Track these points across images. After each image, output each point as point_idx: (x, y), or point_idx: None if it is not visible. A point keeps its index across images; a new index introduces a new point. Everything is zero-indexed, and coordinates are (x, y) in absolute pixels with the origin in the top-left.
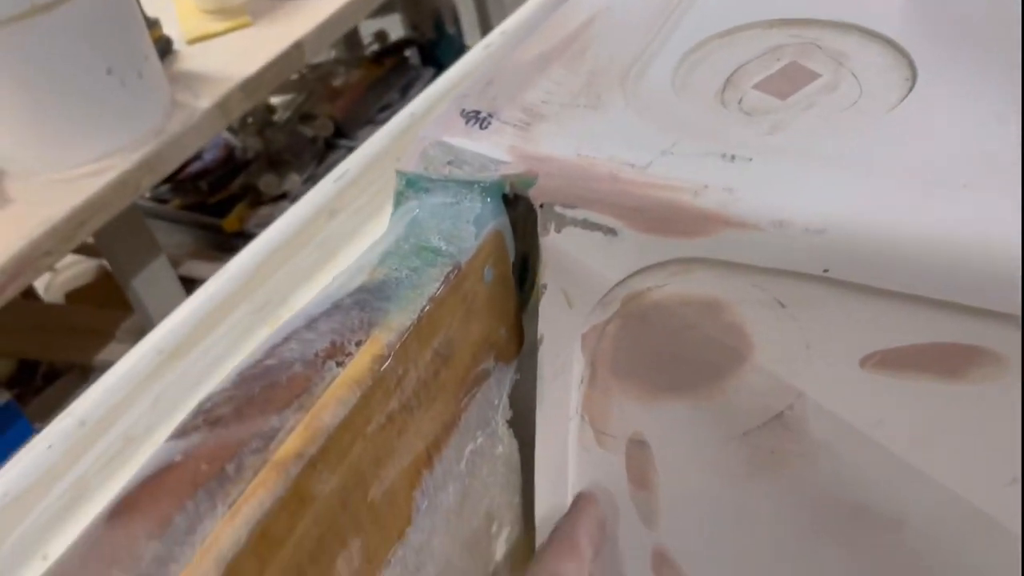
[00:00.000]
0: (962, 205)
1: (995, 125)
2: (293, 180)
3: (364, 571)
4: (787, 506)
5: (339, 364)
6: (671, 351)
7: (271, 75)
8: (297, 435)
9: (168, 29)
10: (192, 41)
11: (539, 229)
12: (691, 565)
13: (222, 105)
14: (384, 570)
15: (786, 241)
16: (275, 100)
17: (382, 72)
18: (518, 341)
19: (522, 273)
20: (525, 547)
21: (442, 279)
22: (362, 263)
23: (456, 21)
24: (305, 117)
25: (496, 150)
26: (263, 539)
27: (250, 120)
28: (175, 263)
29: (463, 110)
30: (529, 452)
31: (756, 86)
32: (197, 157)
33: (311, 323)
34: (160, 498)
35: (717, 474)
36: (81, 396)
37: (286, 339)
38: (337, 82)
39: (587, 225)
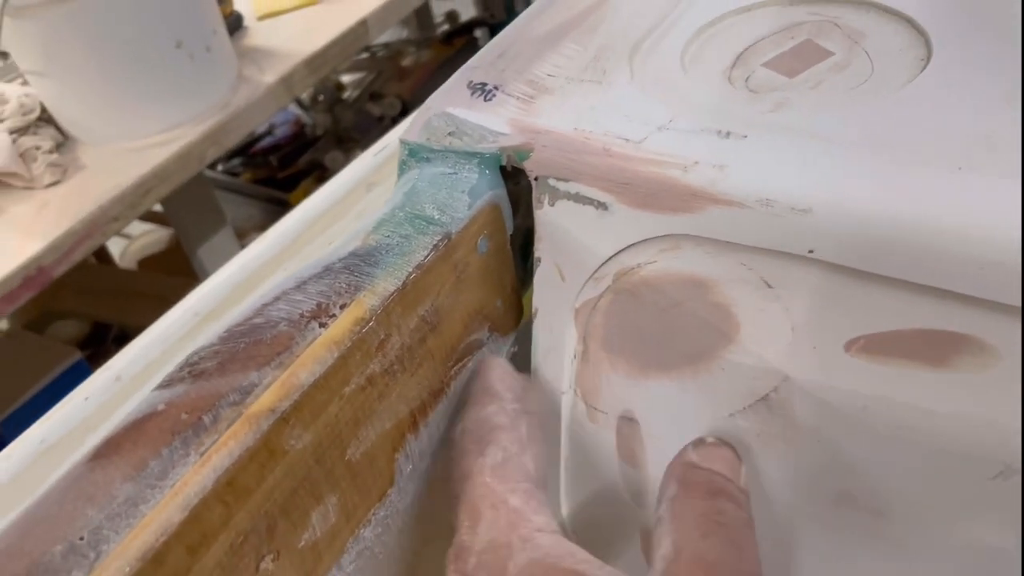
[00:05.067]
0: (953, 188)
1: (1002, 107)
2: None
3: (342, 527)
4: (772, 489)
5: (322, 325)
6: (660, 328)
7: (335, 52)
8: (272, 391)
9: (239, 5)
10: (262, 17)
11: (534, 202)
12: None
13: (286, 80)
14: (364, 529)
15: (772, 220)
16: (346, 78)
17: (451, 53)
18: (516, 314)
19: (525, 247)
20: None
21: (431, 247)
22: (358, 229)
23: (528, 3)
24: (374, 96)
25: (496, 122)
26: (230, 487)
27: (321, 97)
28: (242, 234)
29: (470, 82)
30: None
31: (766, 64)
32: (268, 132)
33: (301, 284)
34: (139, 443)
35: None
36: (119, 353)
37: (276, 299)
38: (406, 62)
39: (579, 199)
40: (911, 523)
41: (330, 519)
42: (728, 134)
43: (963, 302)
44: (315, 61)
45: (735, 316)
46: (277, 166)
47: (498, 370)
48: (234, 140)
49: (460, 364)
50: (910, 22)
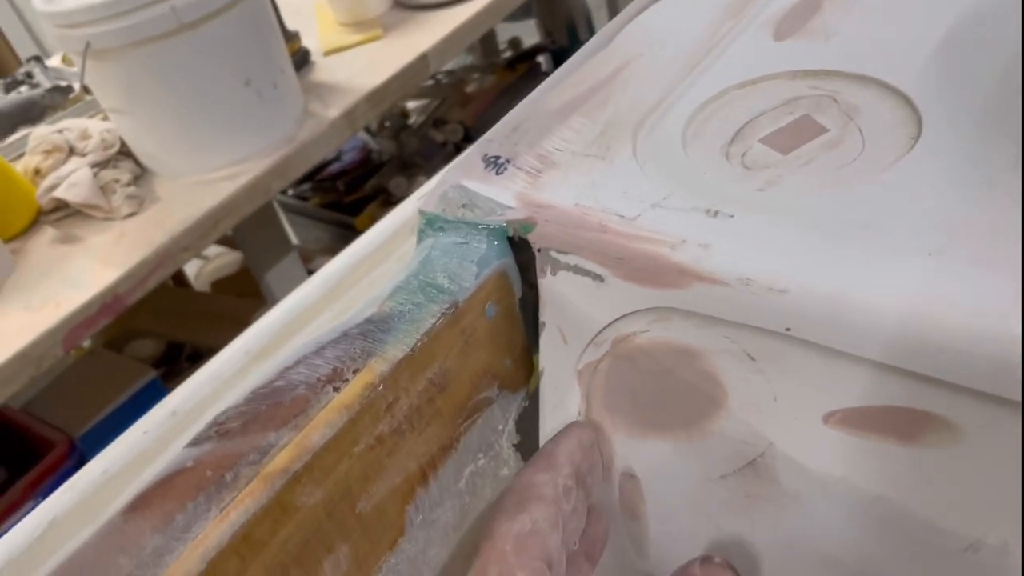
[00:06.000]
0: (924, 274)
1: (982, 191)
2: (421, 183)
3: (354, 574)
4: (762, 549)
5: (336, 389)
6: (655, 392)
7: (396, 86)
8: (286, 452)
9: (307, 41)
10: (328, 53)
11: (537, 271)
12: None
13: (349, 115)
14: (376, 575)
15: (751, 298)
16: (411, 105)
17: (514, 78)
18: (526, 372)
19: (537, 308)
20: None
21: (439, 315)
22: (376, 295)
23: (590, 29)
24: (438, 122)
25: (505, 195)
26: (245, 541)
27: (387, 124)
28: (309, 257)
29: (485, 155)
30: None
31: (763, 139)
32: (336, 158)
33: (320, 349)
34: (168, 498)
35: (699, 511)
36: (176, 390)
37: (297, 362)
38: (470, 88)
39: (578, 270)
40: None
41: (342, 567)
42: (716, 213)
43: (931, 383)
44: (376, 96)
45: (723, 384)
46: (344, 191)
47: (572, 440)
48: (298, 173)
49: (469, 420)
50: (906, 99)
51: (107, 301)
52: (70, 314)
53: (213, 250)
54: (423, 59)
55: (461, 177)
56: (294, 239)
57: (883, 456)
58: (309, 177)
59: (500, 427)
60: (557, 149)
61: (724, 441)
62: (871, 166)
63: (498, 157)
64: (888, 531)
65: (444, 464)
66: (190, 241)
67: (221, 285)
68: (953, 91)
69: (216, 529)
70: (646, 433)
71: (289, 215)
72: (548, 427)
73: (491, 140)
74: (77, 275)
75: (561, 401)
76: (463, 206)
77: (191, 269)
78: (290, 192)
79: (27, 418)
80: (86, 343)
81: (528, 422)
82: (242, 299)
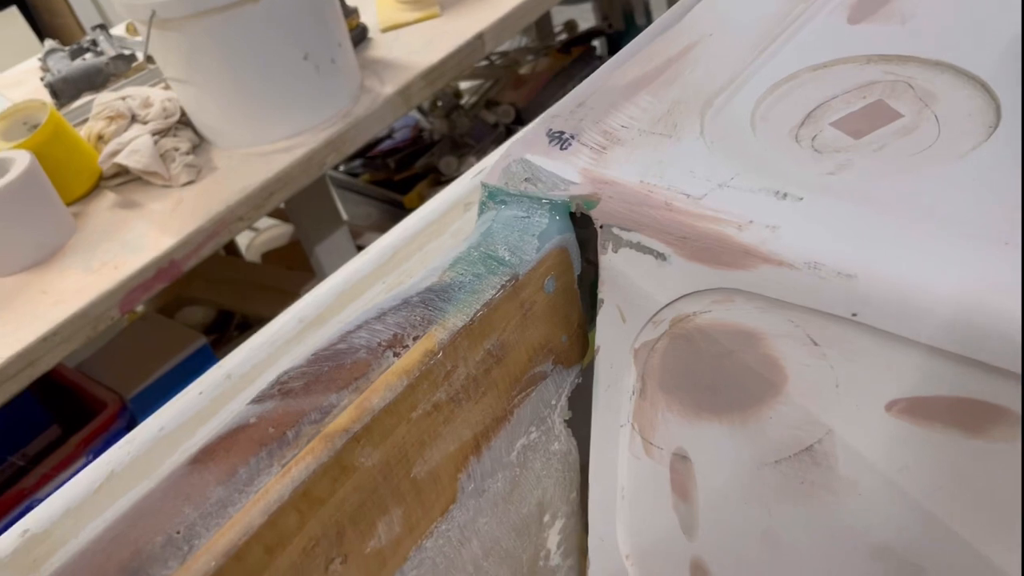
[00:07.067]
0: (996, 264)
1: None
2: (471, 163)
3: (405, 538)
4: (814, 536)
5: (396, 355)
6: (712, 374)
7: (452, 65)
8: (347, 413)
9: (365, 18)
10: (386, 29)
11: (599, 247)
12: None
13: (404, 92)
14: (427, 540)
15: (819, 282)
16: (464, 85)
17: (567, 62)
18: (581, 348)
19: (595, 286)
20: (579, 540)
21: (499, 287)
22: (436, 265)
23: (647, 13)
24: (490, 103)
25: (569, 170)
26: (305, 497)
27: (439, 104)
28: (357, 233)
29: (549, 130)
30: (587, 452)
31: (834, 123)
32: (388, 136)
33: (381, 315)
34: (232, 452)
35: (751, 496)
36: (231, 353)
37: (359, 327)
38: (524, 70)
39: (640, 248)
40: None
41: (395, 529)
42: (785, 195)
43: (998, 375)
44: (432, 73)
45: (783, 369)
46: (394, 169)
47: None
48: (352, 147)
49: (524, 393)
50: (984, 87)
51: (163, 266)
52: (128, 277)
53: (264, 222)
54: (479, 39)
55: (525, 151)
56: (343, 214)
57: (946, 448)
58: (360, 154)
59: (553, 402)
60: (623, 126)
61: (781, 426)
62: (946, 153)
63: (563, 132)
64: (945, 525)
65: (497, 435)
66: (245, 211)
67: (271, 257)
68: None
69: (277, 484)
70: (701, 415)
71: (339, 190)
72: (602, 404)
73: (556, 115)
74: (135, 239)
75: (616, 379)
76: (526, 180)
77: (242, 240)
78: (341, 168)
79: (81, 378)
80: (139, 307)
81: (581, 399)
82: (292, 271)
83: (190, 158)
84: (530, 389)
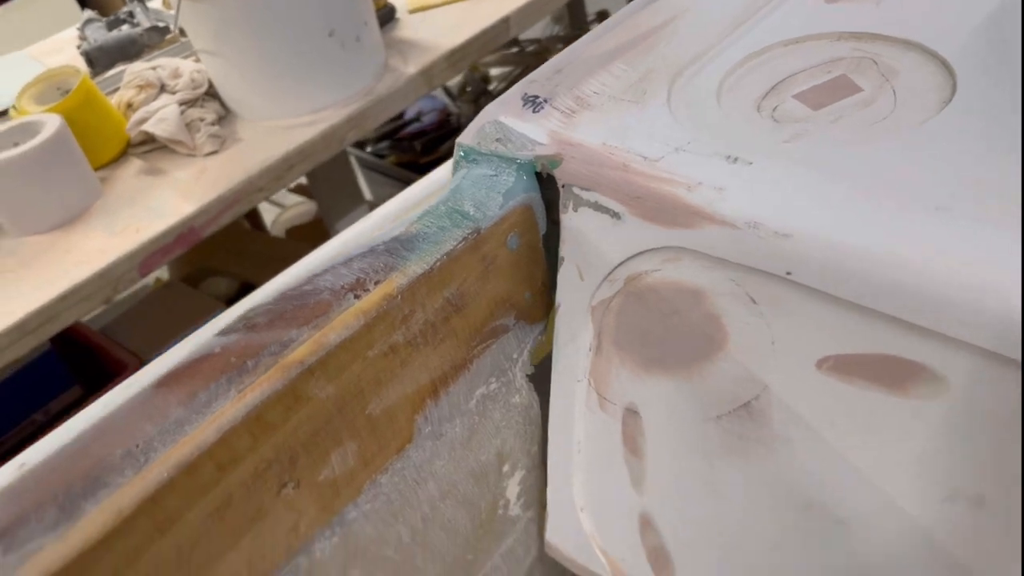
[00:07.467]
0: (927, 228)
1: (1001, 157)
2: None
3: (360, 471)
4: (751, 489)
5: (357, 297)
6: (662, 332)
7: (476, 47)
8: (304, 347)
9: None
10: (414, 10)
11: (560, 207)
12: (672, 532)
13: (426, 72)
14: (382, 476)
15: (757, 241)
16: (494, 71)
17: None
18: (545, 306)
19: None
20: (540, 493)
21: (461, 239)
22: (407, 219)
23: None
24: None
25: (538, 132)
26: (258, 421)
27: (468, 88)
28: None
29: (525, 94)
30: (548, 407)
31: (796, 95)
32: (416, 119)
33: (348, 261)
34: (195, 378)
35: (694, 450)
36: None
37: (325, 271)
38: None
39: (598, 207)
40: (869, 535)
41: (349, 462)
42: (736, 160)
43: (923, 334)
44: (456, 55)
45: (725, 327)
46: (420, 151)
47: None
48: (373, 124)
49: (484, 344)
50: (945, 65)
51: (183, 232)
52: (148, 240)
53: (290, 199)
54: (505, 22)
55: (499, 113)
56: (368, 195)
57: (871, 404)
58: (388, 136)
59: (515, 356)
60: (595, 92)
61: (722, 382)
62: (898, 125)
63: (537, 96)
64: (872, 477)
65: (456, 382)
66: (265, 182)
67: (295, 233)
68: (993, 61)
69: (232, 407)
70: (651, 371)
71: (365, 171)
72: (561, 360)
73: (534, 80)
74: (158, 205)
75: (574, 336)
76: (497, 140)
77: (268, 216)
78: (368, 149)
79: (104, 340)
80: (165, 276)
81: (547, 356)
82: (314, 247)
83: (215, 128)
84: (491, 341)
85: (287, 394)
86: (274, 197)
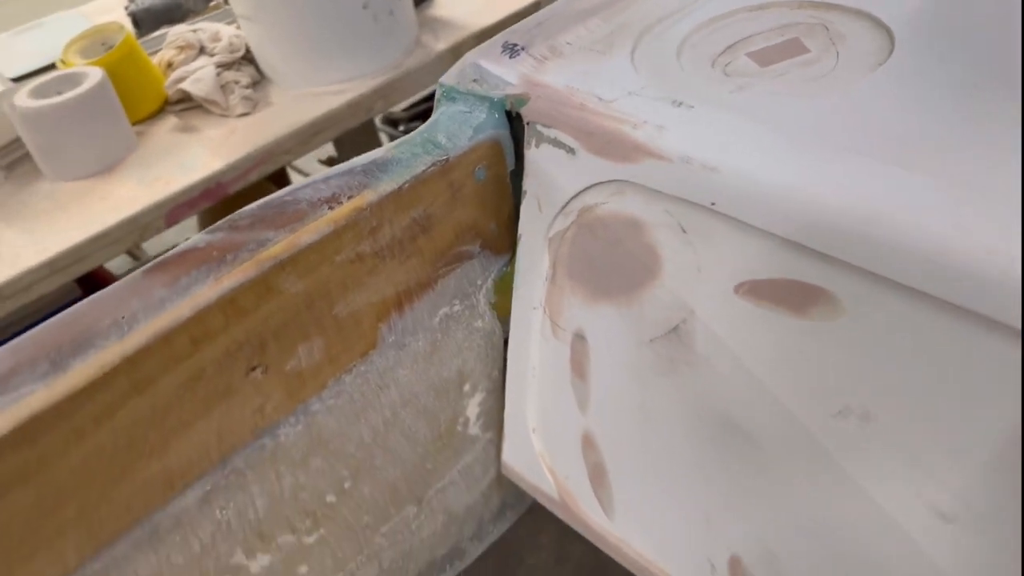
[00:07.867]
0: (835, 166)
1: (918, 109)
2: None
3: (325, 367)
4: (679, 409)
5: (331, 208)
6: (607, 261)
7: (505, 28)
8: (278, 246)
9: None
10: None
11: (525, 143)
12: (609, 450)
13: (454, 50)
14: (346, 375)
15: (688, 174)
16: None
17: None
18: (510, 239)
19: None
20: (499, 416)
21: (431, 164)
22: (387, 146)
23: None
24: None
25: (510, 75)
26: (231, 304)
27: None
28: None
29: (505, 42)
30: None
31: (749, 54)
32: None
33: (327, 179)
34: (180, 266)
35: (631, 373)
36: None
37: (305, 186)
38: None
39: (556, 143)
40: (776, 450)
41: (315, 356)
42: (680, 104)
43: (822, 260)
44: (485, 35)
45: (659, 256)
46: None
47: None
48: (400, 98)
49: (449, 267)
50: (888, 31)
51: (210, 187)
52: (176, 192)
53: (319, 169)
54: (536, 6)
55: (479, 58)
56: None
57: (778, 326)
58: (421, 116)
59: (479, 282)
60: (568, 43)
61: (656, 308)
62: (833, 83)
63: (515, 45)
64: (778, 395)
65: (420, 299)
66: (292, 145)
67: None
68: (929, 29)
69: (208, 291)
70: (598, 299)
71: None
72: (521, 289)
73: (515, 31)
74: (189, 160)
75: (532, 266)
76: (474, 81)
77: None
78: (401, 128)
79: None
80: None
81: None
82: None
83: (248, 92)
84: (455, 265)
85: (259, 283)
86: (303, 168)
